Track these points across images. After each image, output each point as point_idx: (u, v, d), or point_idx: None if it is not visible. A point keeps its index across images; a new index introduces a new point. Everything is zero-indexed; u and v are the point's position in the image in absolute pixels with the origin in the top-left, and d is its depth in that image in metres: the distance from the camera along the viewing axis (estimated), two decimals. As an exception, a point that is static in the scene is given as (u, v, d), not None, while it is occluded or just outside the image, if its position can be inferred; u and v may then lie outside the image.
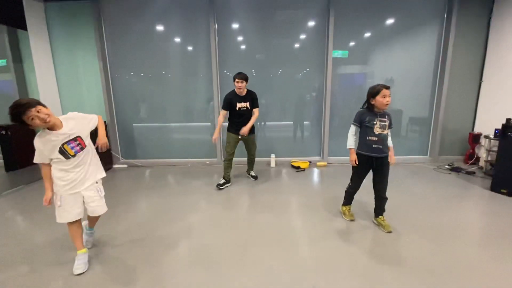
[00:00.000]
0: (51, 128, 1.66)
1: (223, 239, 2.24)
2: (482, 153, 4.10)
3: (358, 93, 4.50)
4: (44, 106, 1.62)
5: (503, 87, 3.88)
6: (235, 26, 4.27)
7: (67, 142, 1.71)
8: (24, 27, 3.83)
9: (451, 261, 1.90)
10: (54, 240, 2.25)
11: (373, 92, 2.16)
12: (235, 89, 3.21)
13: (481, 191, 3.20)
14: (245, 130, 3.23)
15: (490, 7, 4.04)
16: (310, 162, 4.41)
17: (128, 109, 4.57)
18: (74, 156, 1.75)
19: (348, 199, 2.56)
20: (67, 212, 1.79)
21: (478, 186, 3.35)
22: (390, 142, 2.30)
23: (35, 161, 1.72)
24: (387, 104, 2.13)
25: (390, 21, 4.23)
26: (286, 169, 4.24)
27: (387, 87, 2.12)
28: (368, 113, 2.24)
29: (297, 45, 4.34)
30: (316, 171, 4.13)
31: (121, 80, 4.48)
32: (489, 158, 3.82)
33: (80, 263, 1.85)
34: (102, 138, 1.97)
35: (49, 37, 4.21)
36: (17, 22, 3.86)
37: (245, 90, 3.25)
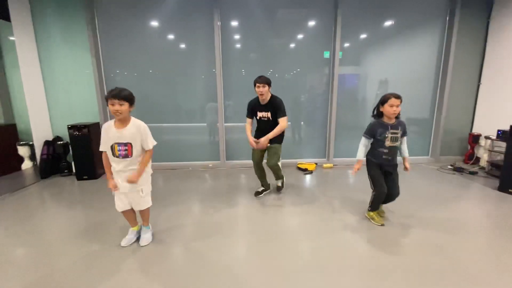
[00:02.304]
0: (118, 122, 1.88)
1: (232, 246, 2.09)
2: (481, 153, 4.22)
3: (359, 94, 4.52)
4: (130, 103, 1.87)
5: (500, 89, 4.01)
6: (240, 23, 4.11)
7: (118, 143, 1.87)
8: (6, 17, 3.44)
9: (481, 259, 1.88)
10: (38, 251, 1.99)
11: (383, 99, 2.18)
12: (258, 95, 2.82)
13: (489, 191, 3.26)
14: (263, 141, 2.79)
15: (488, 11, 4.16)
16: (316, 164, 4.34)
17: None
18: (118, 157, 1.89)
19: (375, 205, 2.43)
20: (116, 203, 2.04)
21: (486, 186, 3.42)
22: (405, 152, 2.33)
23: (100, 149, 1.93)
24: (394, 114, 2.15)
25: (392, 24, 4.25)
26: (293, 171, 4.13)
27: (397, 97, 2.12)
28: (380, 124, 2.22)
29: (301, 45, 4.25)
30: (324, 173, 4.06)
31: (116, 78, 4.17)
32: (490, 159, 3.93)
33: (127, 237, 2.14)
34: (134, 175, 1.93)
35: (34, 30, 3.81)
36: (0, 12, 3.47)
37: (269, 96, 2.82)
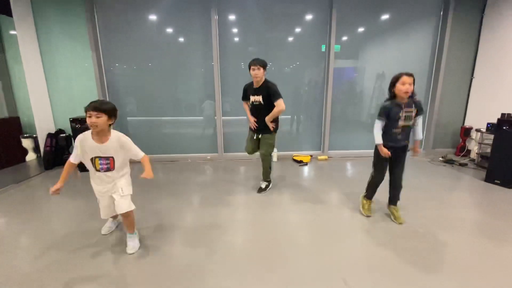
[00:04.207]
0: (96, 135, 1.82)
1: (231, 241, 2.22)
2: (472, 146, 4.33)
3: (353, 87, 4.61)
4: (109, 116, 1.80)
5: (493, 83, 4.09)
6: (238, 17, 4.17)
7: (99, 157, 1.84)
8: (8, 12, 3.52)
9: (464, 250, 2.02)
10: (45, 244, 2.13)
11: (393, 79, 2.13)
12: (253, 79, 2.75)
13: (476, 182, 3.39)
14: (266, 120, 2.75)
15: (482, 6, 4.21)
16: (311, 156, 4.46)
17: (123, 103, 4.37)
18: (98, 171, 1.88)
19: (371, 191, 2.46)
20: (101, 209, 2.06)
21: (473, 177, 3.55)
22: (419, 134, 2.27)
23: (71, 160, 1.88)
24: (406, 92, 2.06)
25: (387, 18, 4.31)
26: (288, 163, 4.26)
27: (409, 75, 2.07)
28: (393, 105, 2.14)
29: (297, 39, 4.32)
30: (318, 165, 4.19)
31: (116, 71, 4.26)
32: (480, 151, 4.04)
33: (106, 226, 2.28)
34: (148, 172, 1.88)
35: (35, 25, 3.88)
36: (1, 6, 3.55)
37: (262, 80, 2.73)
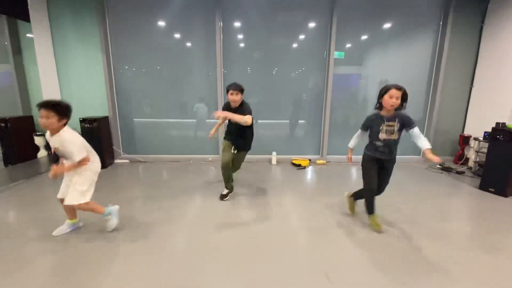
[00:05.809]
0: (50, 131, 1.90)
1: (226, 238, 2.34)
2: (471, 154, 4.36)
3: (353, 94, 4.71)
4: (61, 116, 1.82)
5: (492, 92, 4.13)
6: (241, 24, 4.34)
7: (54, 147, 1.95)
8: (26, 18, 3.76)
9: (451, 256, 2.09)
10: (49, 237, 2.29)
11: (382, 91, 2.13)
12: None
13: (470, 190, 3.44)
14: (218, 113, 2.71)
15: (482, 15, 4.27)
16: (310, 160, 4.56)
17: (130, 104, 4.57)
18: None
19: (370, 207, 2.36)
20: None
21: (468, 185, 3.59)
22: (422, 143, 2.11)
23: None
24: (392, 106, 2.07)
25: (387, 26, 4.41)
26: (287, 166, 4.37)
27: (398, 88, 2.06)
28: (376, 118, 2.20)
29: (299, 45, 4.46)
30: (316, 169, 4.29)
31: (124, 75, 4.47)
32: (478, 159, 4.07)
33: (60, 227, 2.25)
34: (62, 167, 1.92)
35: (51, 30, 4.14)
36: (19, 13, 3.80)
37: (240, 102, 2.87)
